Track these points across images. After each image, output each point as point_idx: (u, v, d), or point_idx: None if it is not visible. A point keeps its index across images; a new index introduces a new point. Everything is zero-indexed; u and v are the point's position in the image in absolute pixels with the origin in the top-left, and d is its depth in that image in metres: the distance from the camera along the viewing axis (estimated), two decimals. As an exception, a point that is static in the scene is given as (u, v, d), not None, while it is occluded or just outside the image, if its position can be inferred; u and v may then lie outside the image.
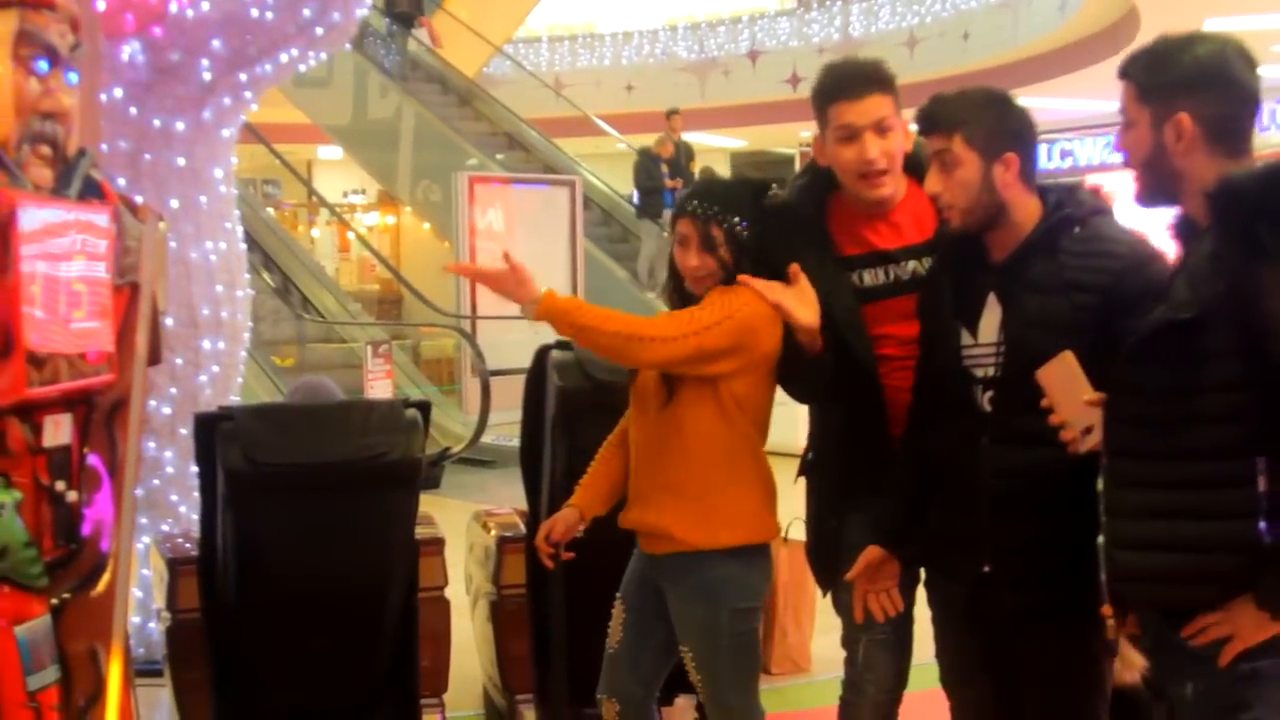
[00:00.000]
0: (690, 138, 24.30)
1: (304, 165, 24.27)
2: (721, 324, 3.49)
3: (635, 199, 16.73)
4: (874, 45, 21.92)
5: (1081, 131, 18.14)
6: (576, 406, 4.64)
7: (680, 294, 3.75)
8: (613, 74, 24.89)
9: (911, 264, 3.50)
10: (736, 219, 3.61)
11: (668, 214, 13.27)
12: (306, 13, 5.66)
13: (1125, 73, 2.76)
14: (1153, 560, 2.56)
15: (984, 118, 3.09)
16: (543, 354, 4.83)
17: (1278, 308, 2.40)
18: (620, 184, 17.41)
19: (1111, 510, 2.69)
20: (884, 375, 3.46)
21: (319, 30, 5.77)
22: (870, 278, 3.52)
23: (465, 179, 14.13)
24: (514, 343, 11.06)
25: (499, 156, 16.86)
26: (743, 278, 3.50)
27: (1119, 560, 2.65)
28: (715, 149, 25.79)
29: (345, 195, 26.29)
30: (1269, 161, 2.55)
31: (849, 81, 3.48)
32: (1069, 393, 2.83)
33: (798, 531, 3.90)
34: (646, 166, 16.46)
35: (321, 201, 21.96)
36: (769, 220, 3.63)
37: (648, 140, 17.08)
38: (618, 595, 3.91)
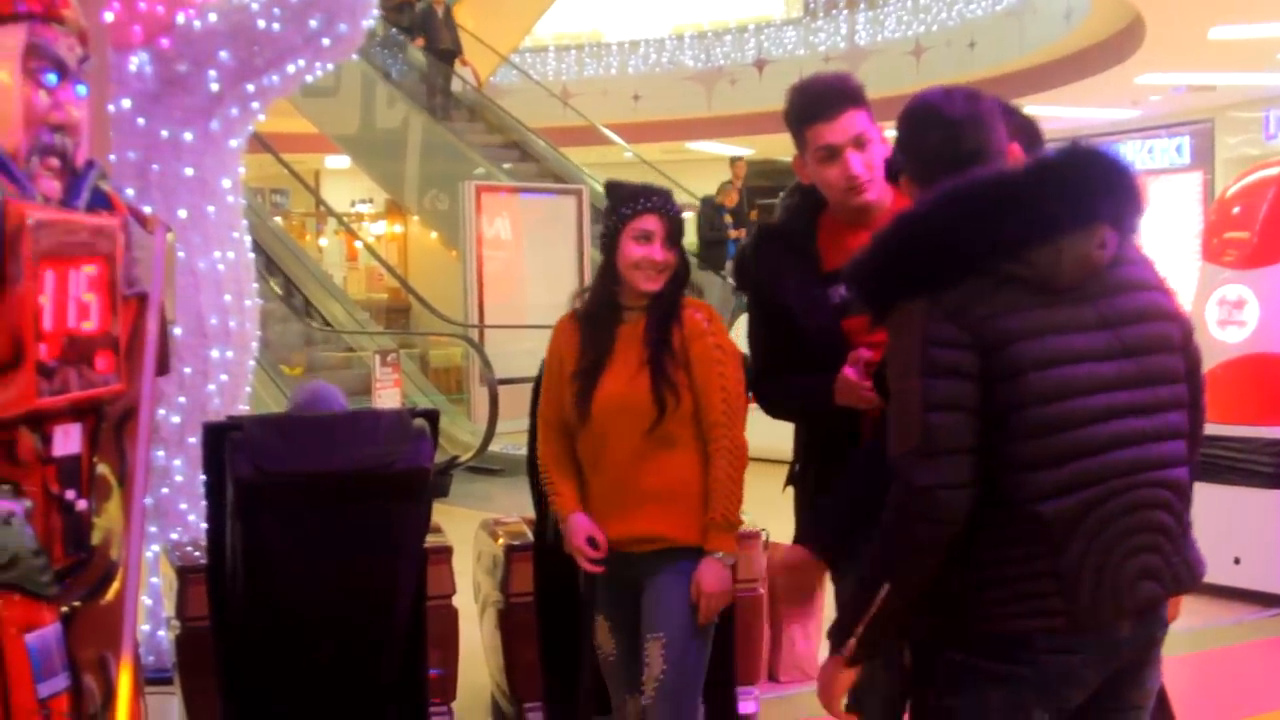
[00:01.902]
0: (697, 147, 24.38)
1: (312, 175, 24.29)
2: (740, 394, 3.74)
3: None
4: (880, 54, 21.95)
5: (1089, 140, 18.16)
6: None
7: (606, 300, 3.86)
8: (619, 83, 24.90)
9: None
10: (680, 215, 3.85)
11: (729, 266, 12.98)
12: (313, 24, 5.68)
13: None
14: None
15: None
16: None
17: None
18: (626, 193, 17.37)
19: None
20: None
21: (326, 41, 5.78)
22: None
23: (473, 188, 14.17)
24: (522, 351, 11.10)
25: (506, 166, 16.87)
26: None
27: None
28: (722, 158, 25.80)
29: (353, 204, 26.33)
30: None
31: (821, 102, 3.47)
32: None
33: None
34: (710, 216, 16.09)
35: (329, 211, 21.99)
36: (759, 241, 3.71)
37: (654, 149, 17.00)
38: (595, 612, 4.00)
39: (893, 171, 3.43)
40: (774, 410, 3.63)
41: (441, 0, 17.59)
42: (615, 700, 4.07)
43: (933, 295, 2.59)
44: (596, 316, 3.88)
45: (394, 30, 17.51)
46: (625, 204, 3.81)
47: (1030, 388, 2.54)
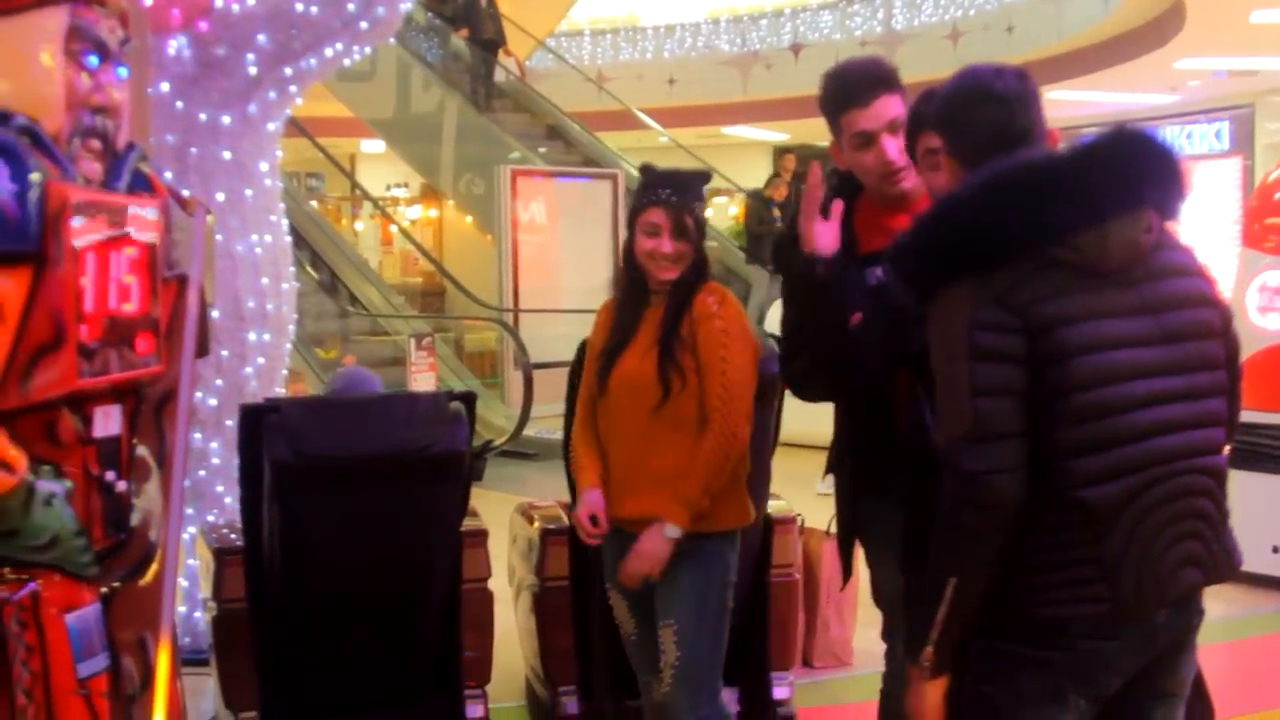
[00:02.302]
0: (732, 131, 24.32)
1: (347, 159, 24.34)
2: (742, 382, 3.76)
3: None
4: (917, 38, 21.83)
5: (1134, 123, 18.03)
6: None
7: (634, 285, 3.92)
8: (655, 67, 24.85)
9: None
10: (700, 205, 3.87)
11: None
12: (351, 7, 5.69)
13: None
14: None
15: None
16: (584, 347, 4.84)
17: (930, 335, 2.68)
18: (660, 178, 17.30)
19: None
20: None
21: (363, 24, 5.80)
22: None
23: (508, 172, 14.16)
24: (556, 335, 11.11)
25: (541, 150, 16.86)
26: None
27: None
28: (757, 142, 25.73)
29: (388, 189, 26.37)
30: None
31: (855, 88, 3.47)
32: None
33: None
34: (758, 210, 16.03)
35: (365, 195, 22.01)
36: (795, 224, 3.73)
37: (689, 134, 16.91)
38: (608, 585, 4.07)
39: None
40: (803, 387, 3.61)
41: (483, -10, 17.50)
42: (640, 681, 4.11)
43: (978, 279, 2.57)
44: (628, 299, 3.96)
45: (430, 14, 17.47)
46: (639, 195, 3.91)
47: (1075, 373, 2.52)
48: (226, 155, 5.77)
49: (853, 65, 3.57)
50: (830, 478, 3.77)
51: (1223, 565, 2.69)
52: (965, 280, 2.58)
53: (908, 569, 3.41)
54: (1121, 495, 2.54)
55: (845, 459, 3.67)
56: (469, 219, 18.52)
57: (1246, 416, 2.97)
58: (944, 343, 2.62)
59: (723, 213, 23.58)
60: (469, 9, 17.16)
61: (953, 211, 2.64)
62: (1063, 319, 2.53)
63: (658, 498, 3.79)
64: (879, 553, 3.63)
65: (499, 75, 17.54)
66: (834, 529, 3.75)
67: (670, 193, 3.84)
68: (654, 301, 3.90)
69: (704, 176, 4.02)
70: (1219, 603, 3.00)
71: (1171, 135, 21.56)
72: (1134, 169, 2.59)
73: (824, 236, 3.33)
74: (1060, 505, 2.54)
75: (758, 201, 16.21)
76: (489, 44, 17.25)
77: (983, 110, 2.72)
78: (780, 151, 17.44)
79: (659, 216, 3.83)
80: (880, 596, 3.68)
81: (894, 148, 3.39)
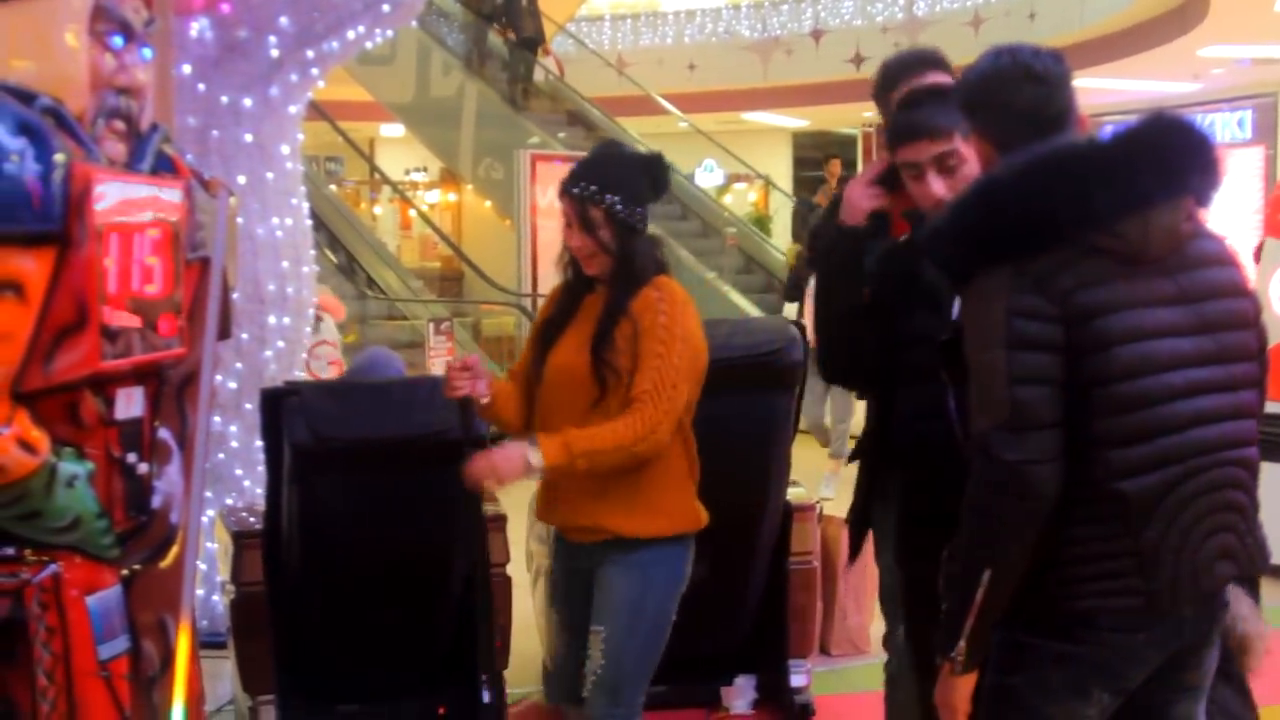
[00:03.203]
0: (752, 117, 24.24)
1: (367, 143, 24.32)
2: (676, 383, 3.47)
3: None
4: (938, 25, 21.71)
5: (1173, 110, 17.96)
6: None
7: (575, 270, 3.68)
8: (675, 53, 24.75)
9: None
10: (615, 198, 3.54)
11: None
12: (373, -10, 5.69)
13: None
14: None
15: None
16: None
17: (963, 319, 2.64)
18: (681, 164, 17.32)
19: None
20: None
21: (385, 7, 5.79)
22: None
23: (527, 157, 14.13)
24: (575, 321, 11.08)
25: (561, 135, 16.84)
26: None
27: None
28: (777, 129, 25.65)
29: (407, 173, 26.35)
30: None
31: (895, 72, 3.51)
32: None
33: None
34: (805, 217, 16.03)
35: (384, 179, 22.03)
36: (832, 209, 3.67)
37: (709, 119, 16.83)
38: (554, 606, 3.90)
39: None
40: (832, 366, 3.57)
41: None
42: (552, 700, 3.97)
43: (1017, 265, 2.54)
44: (571, 284, 3.74)
45: (460, 4, 17.41)
46: None
47: (1117, 362, 2.49)
48: (248, 138, 5.77)
49: (903, 52, 3.60)
50: (831, 476, 3.76)
51: (1256, 558, 2.67)
52: (1001, 266, 2.55)
53: (903, 561, 3.41)
54: (1161, 487, 2.51)
55: (866, 445, 3.66)
56: (488, 204, 18.52)
57: (1269, 407, 2.95)
58: (980, 330, 2.58)
59: (742, 199, 23.52)
60: (509, 6, 17.01)
61: (993, 196, 2.59)
62: (1103, 307, 2.50)
63: (595, 507, 3.58)
64: (881, 544, 3.63)
65: (538, 75, 17.43)
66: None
67: (576, 184, 3.57)
68: (598, 289, 3.66)
69: (645, 163, 3.70)
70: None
71: (1194, 124, 21.42)
72: (1177, 155, 2.56)
73: (864, 198, 3.28)
74: (1095, 496, 2.51)
75: (804, 208, 16.24)
76: (529, 42, 17.15)
77: (1022, 90, 2.66)
78: (827, 157, 17.32)
79: (565, 205, 3.60)
80: (882, 589, 3.67)
81: (939, 185, 3.35)
